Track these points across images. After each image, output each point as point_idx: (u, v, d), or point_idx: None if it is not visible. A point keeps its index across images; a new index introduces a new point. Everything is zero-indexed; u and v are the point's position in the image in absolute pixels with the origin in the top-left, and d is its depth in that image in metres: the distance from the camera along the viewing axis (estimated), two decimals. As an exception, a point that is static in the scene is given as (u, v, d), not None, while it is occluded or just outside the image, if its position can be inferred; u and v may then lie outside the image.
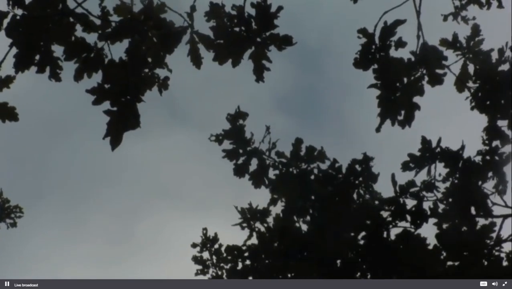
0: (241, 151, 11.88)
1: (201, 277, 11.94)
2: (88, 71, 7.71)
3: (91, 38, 7.67)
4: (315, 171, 11.49)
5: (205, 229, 12.29)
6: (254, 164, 11.88)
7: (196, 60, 7.98)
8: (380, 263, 9.88)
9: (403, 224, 10.32)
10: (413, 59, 9.32)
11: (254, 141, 11.94)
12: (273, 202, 11.56)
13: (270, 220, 11.56)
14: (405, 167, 10.60)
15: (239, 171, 11.77)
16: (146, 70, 7.81)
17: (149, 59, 7.81)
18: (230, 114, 11.83)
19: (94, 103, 7.62)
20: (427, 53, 9.36)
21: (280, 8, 8.02)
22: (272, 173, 11.88)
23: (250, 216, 11.62)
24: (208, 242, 12.17)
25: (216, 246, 12.16)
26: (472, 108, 10.19)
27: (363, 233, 10.17)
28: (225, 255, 11.56)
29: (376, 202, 10.48)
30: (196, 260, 12.14)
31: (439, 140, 10.65)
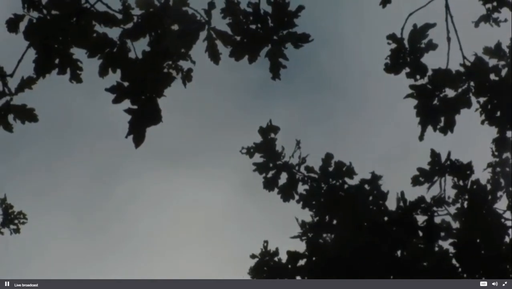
0: (271, 165, 11.93)
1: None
2: (112, 66, 7.61)
3: (114, 32, 7.72)
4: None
5: (266, 241, 12.06)
6: (283, 178, 11.95)
7: (215, 57, 8.01)
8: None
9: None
10: (457, 70, 9.27)
11: (285, 155, 12.00)
12: None
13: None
14: (416, 181, 10.57)
15: (269, 185, 11.79)
16: (170, 62, 7.76)
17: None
18: (262, 127, 11.91)
19: (114, 102, 7.53)
20: (475, 64, 9.23)
21: (301, 7, 7.98)
22: (301, 188, 11.93)
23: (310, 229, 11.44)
24: (268, 255, 11.95)
25: (276, 259, 11.93)
26: (482, 122, 9.67)
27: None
28: None
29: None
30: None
31: (449, 154, 10.62)
